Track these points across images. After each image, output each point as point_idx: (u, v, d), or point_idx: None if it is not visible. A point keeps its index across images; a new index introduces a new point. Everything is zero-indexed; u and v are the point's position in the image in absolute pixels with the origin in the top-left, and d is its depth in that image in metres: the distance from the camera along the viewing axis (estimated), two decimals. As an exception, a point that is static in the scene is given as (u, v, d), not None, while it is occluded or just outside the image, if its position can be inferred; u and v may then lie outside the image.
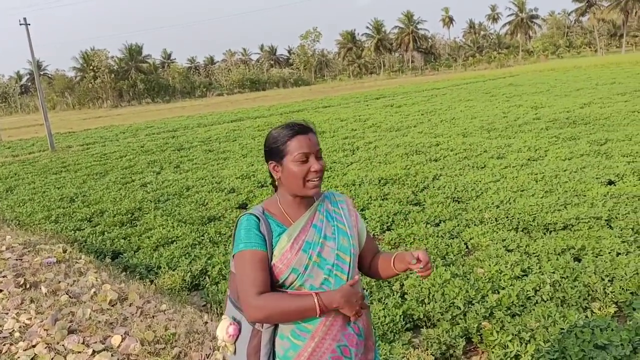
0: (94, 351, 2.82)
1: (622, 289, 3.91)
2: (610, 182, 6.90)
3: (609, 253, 4.62)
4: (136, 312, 3.36)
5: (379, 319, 3.70)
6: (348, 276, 1.68)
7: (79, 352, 2.81)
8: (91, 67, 68.63)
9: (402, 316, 3.78)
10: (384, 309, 3.83)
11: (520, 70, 47.73)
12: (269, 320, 1.59)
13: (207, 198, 8.15)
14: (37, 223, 7.58)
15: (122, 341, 2.89)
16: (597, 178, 6.98)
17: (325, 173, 9.50)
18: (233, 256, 1.66)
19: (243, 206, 7.60)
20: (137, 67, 73.83)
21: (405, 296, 4.14)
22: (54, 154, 17.44)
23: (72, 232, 6.94)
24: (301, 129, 1.68)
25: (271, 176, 1.74)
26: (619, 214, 5.53)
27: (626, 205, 5.74)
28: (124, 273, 5.15)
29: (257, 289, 1.56)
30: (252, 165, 10.95)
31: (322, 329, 1.61)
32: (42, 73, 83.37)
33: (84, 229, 7.04)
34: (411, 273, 4.51)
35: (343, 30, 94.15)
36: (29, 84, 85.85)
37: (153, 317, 3.30)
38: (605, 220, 5.42)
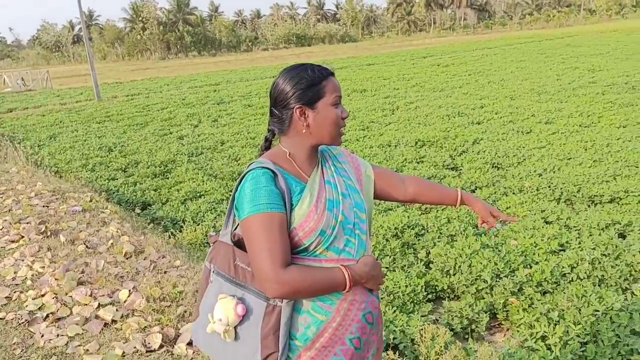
0: (99, 304, 2.79)
1: (670, 271, 3.58)
2: (668, 154, 6.35)
3: (659, 231, 4.25)
4: (149, 267, 3.31)
5: (400, 288, 3.53)
6: (367, 235, 1.53)
7: (85, 304, 2.79)
8: (140, 19, 69.21)
9: (424, 286, 3.60)
10: (406, 278, 3.65)
11: (580, 31, 44.91)
12: (295, 296, 1.39)
13: (240, 153, 8.08)
14: (74, 171, 7.72)
15: (129, 296, 2.85)
16: (653, 148, 6.44)
17: (361, 132, 9.31)
18: (242, 220, 1.39)
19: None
20: (185, 20, 73.90)
21: (430, 265, 3.94)
22: (100, 103, 17.77)
23: (107, 181, 7.02)
24: (332, 71, 1.51)
25: (278, 123, 1.50)
26: (674, 188, 5.07)
27: (684, 179, 5.26)
28: (150, 225, 5.16)
29: (282, 260, 1.33)
30: (289, 121, 10.77)
31: (349, 299, 1.45)
32: (93, 23, 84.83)
33: (117, 179, 7.11)
34: (439, 240, 4.30)
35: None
36: (81, 33, 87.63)
37: (165, 272, 3.24)
38: (658, 194, 4.99)
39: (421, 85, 15.42)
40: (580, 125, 8.16)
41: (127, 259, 3.49)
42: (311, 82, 1.45)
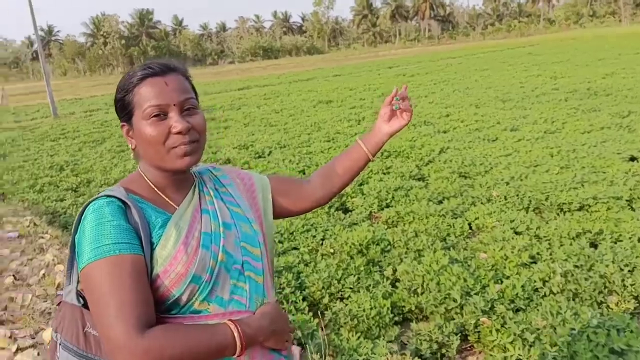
0: (18, 347, 2.45)
1: (644, 281, 3.42)
2: (633, 159, 6.31)
3: (630, 239, 4.11)
4: (85, 300, 2.97)
5: (364, 311, 3.26)
6: (263, 277, 1.19)
7: (2, 348, 2.43)
8: (101, 33, 68.01)
9: (390, 308, 3.35)
10: (371, 299, 3.39)
11: (540, 40, 46.10)
12: None
13: (199, 169, 7.73)
14: (20, 192, 7.24)
15: (54, 337, 2.51)
16: (618, 153, 6.39)
17: (327, 144, 9.12)
18: (82, 270, 1.02)
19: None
20: (148, 34, 73.05)
21: (397, 284, 3.69)
22: (56, 120, 17.11)
23: (54, 202, 6.57)
24: (158, 69, 1.13)
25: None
26: (642, 193, 4.98)
27: (651, 185, 5.18)
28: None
29: (140, 320, 0.97)
30: (253, 134, 10.49)
31: None
32: (53, 39, 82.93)
33: (66, 200, 6.66)
34: (405, 256, 4.07)
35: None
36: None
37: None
38: (627, 200, 4.89)
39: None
40: (545, 132, 8.12)
41: (60, 290, 3.13)
42: (123, 92, 1.13)
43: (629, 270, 3.53)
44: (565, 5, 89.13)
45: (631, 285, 3.39)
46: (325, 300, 3.55)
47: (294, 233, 4.73)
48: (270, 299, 1.20)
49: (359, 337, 3.01)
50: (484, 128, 8.94)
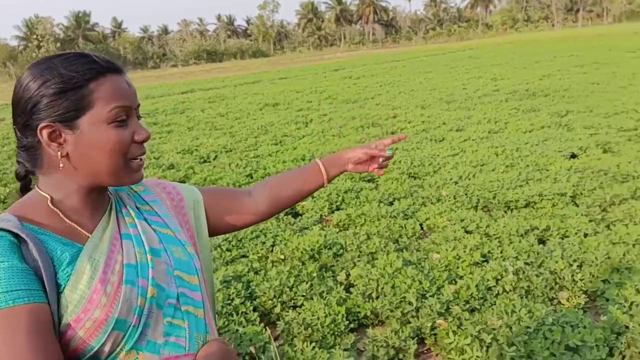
0: None
1: (592, 275, 3.47)
2: (573, 156, 6.53)
3: (576, 234, 4.19)
4: None
5: (318, 319, 3.13)
6: (204, 310, 0.99)
7: None
8: (35, 36, 64.86)
9: (345, 315, 3.23)
10: (325, 306, 3.27)
11: (479, 44, 47.72)
12: None
13: (141, 175, 7.36)
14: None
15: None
16: (559, 151, 6.59)
17: (274, 147, 8.94)
18: None
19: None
20: (85, 36, 70.34)
21: (351, 289, 3.58)
22: (-16, 127, 16.02)
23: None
24: (116, 65, 0.94)
25: (24, 152, 0.94)
26: (584, 189, 5.13)
27: (591, 180, 5.35)
28: None
29: None
30: (197, 138, 10.17)
31: None
32: (-18, 42, 78.27)
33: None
34: (359, 260, 3.97)
35: (303, 0, 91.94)
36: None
37: None
38: (570, 196, 5.02)
39: (334, 97, 15.34)
40: (489, 132, 8.29)
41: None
42: (68, 84, 0.88)
43: (577, 266, 3.57)
44: (502, 10, 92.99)
45: (580, 280, 3.43)
46: (277, 309, 3.39)
47: (243, 240, 4.54)
48: (213, 335, 1.01)
49: (313, 348, 2.87)
50: (430, 129, 9.04)
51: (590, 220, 4.45)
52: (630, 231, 4.04)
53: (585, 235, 4.18)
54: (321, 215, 5.34)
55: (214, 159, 8.26)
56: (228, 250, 4.41)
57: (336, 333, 3.10)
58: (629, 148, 6.57)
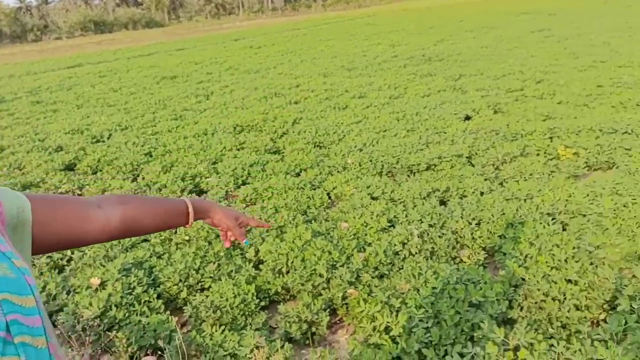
0: None
1: (490, 232, 3.64)
2: (468, 118, 6.83)
3: (473, 193, 4.39)
4: None
5: (227, 300, 3.01)
6: (46, 337, 0.74)
7: None
8: None
9: (255, 293, 3.14)
10: (234, 286, 3.15)
11: (376, 11, 48.52)
12: None
13: (24, 160, 6.69)
14: None
15: None
16: (455, 114, 6.86)
17: (174, 122, 8.51)
18: None
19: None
20: (-50, 6, 62.39)
21: (261, 266, 3.49)
22: None
23: None
24: None
25: None
26: (478, 150, 5.38)
27: (485, 140, 5.62)
28: None
29: None
30: (88, 117, 9.42)
31: None
32: None
33: None
34: (267, 235, 3.87)
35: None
36: None
37: None
38: (466, 157, 5.24)
39: (235, 67, 14.89)
40: (390, 97, 8.45)
41: None
42: None
43: (476, 224, 3.74)
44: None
45: (479, 237, 3.58)
46: (184, 294, 3.22)
47: (143, 223, 4.26)
48: None
49: (223, 331, 2.75)
50: (333, 97, 9.04)
51: (485, 179, 4.68)
52: (521, 187, 4.29)
53: (482, 193, 4.39)
54: (227, 191, 5.15)
55: (108, 138, 7.69)
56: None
57: (247, 313, 3.00)
58: (516, 108, 6.99)
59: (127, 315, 2.96)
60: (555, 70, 9.33)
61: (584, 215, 3.72)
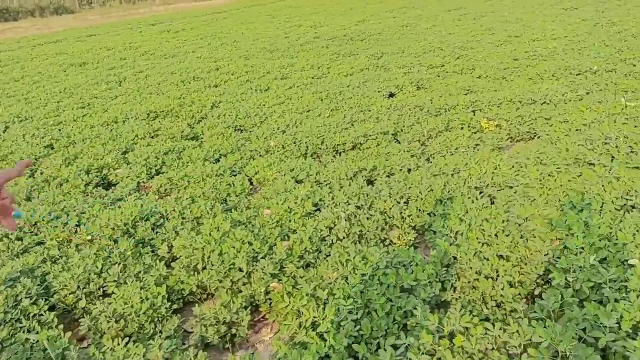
0: None
1: (419, 210, 3.48)
2: (391, 95, 6.69)
3: (401, 170, 4.22)
4: None
5: (132, 307, 2.64)
6: None
7: None
8: None
9: (167, 295, 2.78)
10: (141, 290, 2.77)
11: (298, -6, 47.92)
12: None
13: None
14: None
15: None
16: (378, 91, 6.70)
17: (81, 111, 7.80)
18: None
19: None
20: None
21: (173, 264, 3.12)
22: None
23: None
24: None
25: None
26: (404, 126, 5.24)
27: (409, 116, 5.49)
28: None
29: None
30: (-18, 109, 8.43)
31: None
32: None
33: None
34: (182, 228, 3.51)
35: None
36: None
37: None
38: (392, 134, 5.08)
39: (151, 52, 14.03)
40: (313, 78, 8.18)
41: None
42: None
43: (404, 202, 3.56)
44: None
45: (408, 216, 3.41)
46: (82, 303, 2.81)
47: (38, 224, 3.75)
48: None
49: (127, 344, 2.39)
50: (255, 79, 8.64)
51: (412, 156, 4.54)
52: (447, 162, 4.17)
53: (409, 170, 4.23)
54: (139, 183, 4.70)
55: (4, 131, 6.90)
56: (19, 239, 3.61)
57: (156, 319, 2.65)
58: (438, 83, 6.94)
59: (11, 333, 2.52)
60: (473, 46, 9.44)
61: (511, 187, 3.65)
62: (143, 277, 2.93)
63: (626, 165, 3.40)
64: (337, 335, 2.30)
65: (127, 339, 2.43)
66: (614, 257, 2.51)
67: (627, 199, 2.98)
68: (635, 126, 3.98)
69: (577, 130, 4.43)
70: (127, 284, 2.87)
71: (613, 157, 3.58)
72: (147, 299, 2.69)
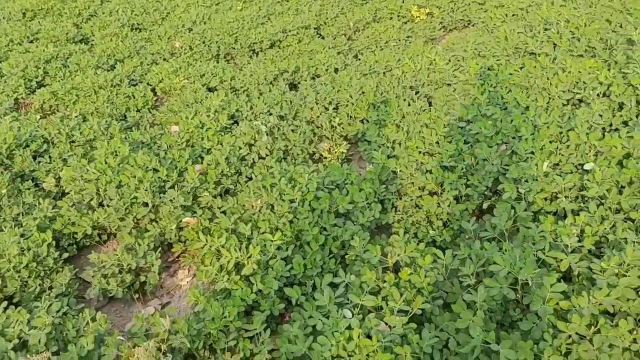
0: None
1: (350, 117, 3.08)
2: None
3: (327, 71, 3.75)
4: None
5: (9, 261, 2.12)
6: None
7: None
8: None
9: (54, 243, 2.28)
10: (22, 238, 2.25)
11: None
12: None
13: None
14: None
15: None
16: (297, -22, 5.94)
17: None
18: None
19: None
20: None
21: (61, 202, 2.56)
22: None
23: None
24: None
25: None
26: (327, 18, 4.66)
27: (332, 6, 4.89)
28: None
29: None
30: None
31: None
32: None
33: None
34: (71, 154, 2.91)
35: None
36: None
37: None
38: (315, 28, 4.52)
39: None
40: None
41: None
42: None
43: (333, 109, 3.13)
44: None
45: (339, 125, 3.01)
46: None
47: None
48: None
49: (6, 308, 1.91)
50: (153, -33, 7.46)
51: (338, 53, 4.04)
52: (378, 58, 3.72)
53: (336, 70, 3.77)
54: (16, 99, 3.91)
55: None
56: None
57: (43, 273, 2.16)
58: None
59: None
60: None
61: (449, 85, 3.30)
62: (23, 221, 2.38)
63: (570, 54, 3.11)
64: (266, 277, 1.95)
65: (5, 302, 1.95)
66: (567, 161, 2.27)
67: (574, 92, 2.72)
68: (575, 8, 3.67)
69: (513, 15, 4.08)
70: (2, 231, 2.32)
71: (555, 44, 3.28)
72: (29, 250, 2.18)
